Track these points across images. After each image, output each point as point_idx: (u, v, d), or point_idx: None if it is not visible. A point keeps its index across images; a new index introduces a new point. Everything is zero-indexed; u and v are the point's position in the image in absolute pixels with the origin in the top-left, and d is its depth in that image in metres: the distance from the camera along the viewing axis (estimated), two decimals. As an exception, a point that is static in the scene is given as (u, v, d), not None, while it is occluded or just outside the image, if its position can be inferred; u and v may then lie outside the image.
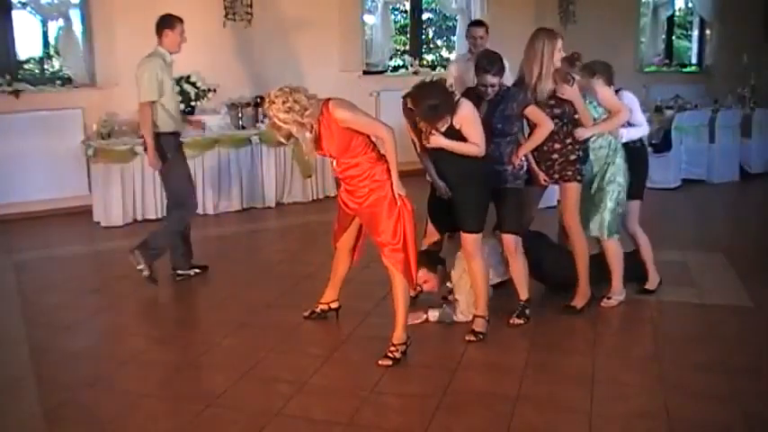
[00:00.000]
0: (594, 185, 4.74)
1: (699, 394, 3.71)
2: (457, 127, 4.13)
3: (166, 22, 5.31)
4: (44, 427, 3.46)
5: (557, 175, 4.62)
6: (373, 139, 4.05)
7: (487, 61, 4.33)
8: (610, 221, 4.72)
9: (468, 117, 4.14)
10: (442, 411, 3.54)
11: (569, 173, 4.59)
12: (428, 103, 4.00)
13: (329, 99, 3.96)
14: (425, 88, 4.09)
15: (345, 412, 3.54)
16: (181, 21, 5.32)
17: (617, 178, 4.71)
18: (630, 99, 4.93)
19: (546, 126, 4.40)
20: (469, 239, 4.29)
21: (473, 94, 4.38)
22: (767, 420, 3.51)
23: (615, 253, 4.82)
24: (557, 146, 4.56)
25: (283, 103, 3.82)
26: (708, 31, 11.76)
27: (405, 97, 4.22)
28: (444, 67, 9.90)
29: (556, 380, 3.88)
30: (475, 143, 4.16)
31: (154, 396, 3.75)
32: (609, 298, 4.87)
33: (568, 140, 4.56)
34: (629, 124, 4.88)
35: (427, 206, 4.57)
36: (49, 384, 3.86)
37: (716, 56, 11.46)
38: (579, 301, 4.73)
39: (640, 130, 4.98)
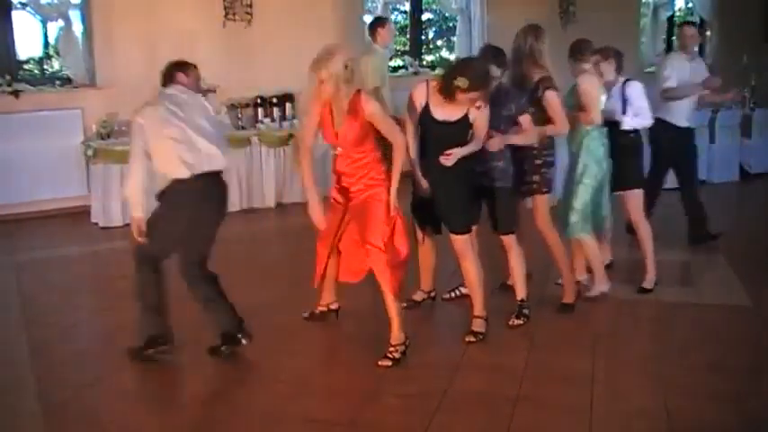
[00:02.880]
0: (570, 184, 4.78)
1: (699, 394, 3.70)
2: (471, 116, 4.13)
3: (378, 22, 6.74)
4: (44, 426, 3.46)
5: (524, 187, 4.60)
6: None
7: (492, 53, 4.34)
8: (575, 222, 4.75)
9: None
10: (442, 411, 3.54)
11: (532, 186, 4.58)
12: (480, 70, 4.04)
13: (361, 90, 3.98)
14: (468, 61, 4.54)
15: (345, 412, 3.54)
16: (388, 18, 6.63)
17: (584, 179, 4.73)
18: (638, 89, 4.96)
19: (531, 137, 4.41)
20: (458, 240, 4.27)
21: None
22: (767, 420, 3.51)
23: (589, 248, 4.85)
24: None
25: (343, 61, 3.85)
26: (708, 32, 11.76)
27: (446, 78, 4.05)
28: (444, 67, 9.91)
29: (556, 380, 3.88)
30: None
31: (154, 396, 3.74)
32: (589, 289, 4.95)
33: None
34: (633, 114, 4.94)
35: (411, 210, 4.48)
36: (49, 384, 3.86)
37: (716, 56, 11.46)
38: (569, 298, 4.77)
39: (643, 119, 5.01)
